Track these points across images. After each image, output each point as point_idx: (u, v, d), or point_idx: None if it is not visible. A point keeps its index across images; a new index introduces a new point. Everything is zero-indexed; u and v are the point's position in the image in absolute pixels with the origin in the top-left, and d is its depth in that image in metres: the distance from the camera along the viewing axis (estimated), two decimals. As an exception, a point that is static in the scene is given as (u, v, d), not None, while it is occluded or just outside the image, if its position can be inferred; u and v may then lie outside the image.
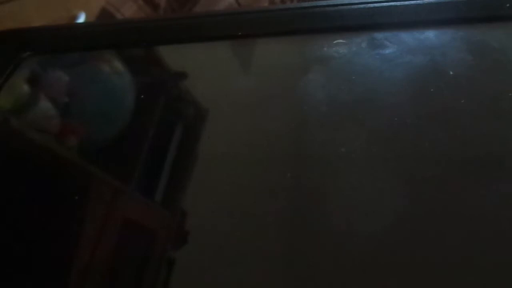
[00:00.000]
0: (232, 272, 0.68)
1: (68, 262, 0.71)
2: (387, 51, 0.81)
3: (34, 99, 0.80)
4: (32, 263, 0.72)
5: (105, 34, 0.92)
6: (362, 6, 0.85)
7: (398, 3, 0.83)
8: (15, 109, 0.78)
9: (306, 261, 0.68)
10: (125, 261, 0.72)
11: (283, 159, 0.77)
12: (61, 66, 0.85)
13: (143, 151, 0.81)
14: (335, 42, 0.84)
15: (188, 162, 0.79)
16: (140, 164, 0.80)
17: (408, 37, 0.82)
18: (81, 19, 1.38)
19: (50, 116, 0.81)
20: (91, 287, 0.69)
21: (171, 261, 0.70)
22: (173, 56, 0.90)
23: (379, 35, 0.83)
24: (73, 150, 0.80)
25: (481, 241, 0.65)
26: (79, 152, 0.80)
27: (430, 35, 0.81)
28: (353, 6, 0.85)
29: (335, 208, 0.71)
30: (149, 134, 0.82)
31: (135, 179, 0.80)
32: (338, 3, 0.86)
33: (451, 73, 0.77)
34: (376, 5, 0.84)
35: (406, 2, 0.83)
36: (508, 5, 0.79)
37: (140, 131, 0.82)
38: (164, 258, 0.71)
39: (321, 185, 0.74)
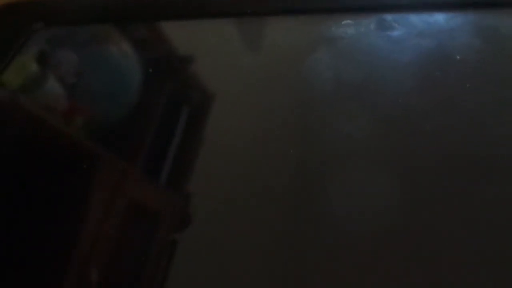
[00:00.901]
0: (236, 254, 0.69)
1: (73, 241, 0.72)
2: (395, 33, 0.81)
3: (42, 78, 0.81)
4: (38, 242, 0.73)
5: (115, 8, 0.92)
6: (371, -13, 0.84)
7: (407, -15, 0.83)
8: (23, 87, 0.79)
9: (308, 240, 0.69)
10: (129, 241, 0.73)
11: (287, 139, 0.77)
12: (70, 46, 0.86)
13: (150, 133, 0.81)
14: (343, 22, 0.84)
15: (194, 144, 0.80)
16: (146, 145, 0.81)
17: (417, 20, 0.82)
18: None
19: (58, 96, 0.81)
20: (94, 267, 0.70)
21: (174, 243, 0.71)
22: (181, 33, 0.90)
23: (388, 17, 0.83)
24: (79, 130, 0.80)
25: (487, 225, 0.65)
26: (85, 132, 0.81)
27: (439, 18, 0.81)
28: (362, -13, 0.85)
29: (336, 186, 0.72)
30: (156, 116, 0.82)
31: (140, 160, 0.80)
32: (348, -17, 0.86)
33: (458, 57, 0.76)
34: (385, -14, 0.84)
35: (416, -16, 0.83)
36: (519, -10, 0.79)
37: (147, 113, 0.83)
38: (168, 240, 0.72)
39: (324, 165, 0.74)
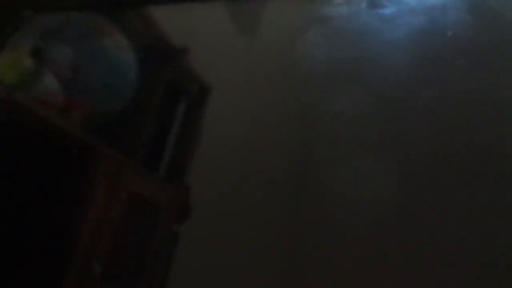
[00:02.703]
0: (235, 245, 0.70)
1: (74, 235, 0.73)
2: (386, 11, 0.81)
3: (38, 74, 0.81)
4: (41, 232, 0.74)
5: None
6: (361, -35, 0.84)
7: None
8: (19, 83, 0.79)
9: (308, 231, 0.69)
10: (129, 234, 0.74)
11: (282, 119, 0.78)
12: (64, 40, 0.85)
13: (148, 126, 0.82)
14: (335, 2, 0.84)
15: (192, 133, 0.80)
16: (144, 138, 0.82)
17: (408, -3, 0.82)
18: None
19: (54, 91, 0.81)
20: (95, 260, 0.71)
21: (175, 234, 0.72)
22: (173, 19, 0.89)
23: (378, -5, 0.83)
24: (78, 125, 0.81)
25: (484, 209, 0.66)
26: (83, 127, 0.81)
27: (430, -6, 0.81)
28: (352, -35, 0.84)
29: (333, 169, 0.73)
30: (154, 109, 0.83)
31: (139, 154, 0.81)
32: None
33: (449, 33, 0.77)
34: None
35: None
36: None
37: (144, 105, 0.83)
38: (168, 231, 0.73)
39: (319, 145, 0.75)
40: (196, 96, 0.83)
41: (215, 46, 0.87)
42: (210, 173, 0.75)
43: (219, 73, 0.83)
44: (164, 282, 0.73)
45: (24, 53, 0.81)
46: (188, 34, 0.88)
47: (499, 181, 0.67)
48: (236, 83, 0.82)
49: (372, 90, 0.77)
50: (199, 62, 0.86)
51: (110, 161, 0.78)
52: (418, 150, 0.72)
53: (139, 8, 0.91)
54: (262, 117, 0.80)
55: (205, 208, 0.73)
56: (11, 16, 0.90)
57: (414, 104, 0.74)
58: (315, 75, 0.81)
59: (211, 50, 0.86)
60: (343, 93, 0.78)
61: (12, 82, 0.78)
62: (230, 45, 0.88)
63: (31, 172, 0.77)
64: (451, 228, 0.66)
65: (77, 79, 0.82)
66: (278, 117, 0.80)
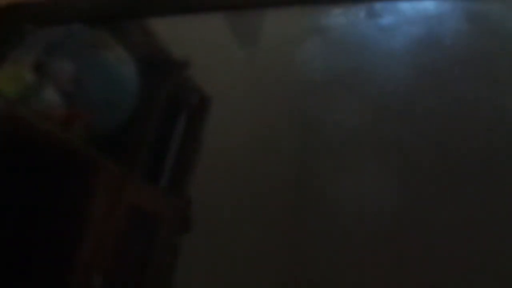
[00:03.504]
0: (235, 256, 0.70)
1: (75, 248, 0.73)
2: (384, 21, 0.81)
3: (39, 87, 0.81)
4: (42, 245, 0.74)
5: (104, 8, 0.92)
6: (360, -25, 0.84)
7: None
8: (20, 97, 0.80)
9: (309, 240, 0.69)
10: (130, 246, 0.74)
11: (282, 128, 0.78)
12: (66, 54, 0.86)
13: (149, 138, 0.82)
14: (333, 12, 0.85)
15: (192, 148, 0.81)
16: (145, 150, 0.82)
17: (406, 7, 0.82)
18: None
19: (55, 104, 0.82)
20: (96, 272, 0.71)
21: (176, 246, 0.73)
22: (173, 30, 0.89)
23: (377, 5, 0.83)
24: (79, 138, 0.81)
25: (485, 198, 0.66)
26: (85, 140, 0.81)
27: (428, 5, 0.81)
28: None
29: (333, 177, 0.73)
30: (154, 121, 0.83)
31: (140, 166, 0.81)
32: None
33: (447, 43, 0.77)
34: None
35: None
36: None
37: (145, 117, 0.83)
38: (169, 244, 0.73)
39: (319, 154, 0.75)
40: (196, 107, 0.83)
41: (215, 57, 0.87)
42: (211, 184, 0.75)
43: (219, 84, 0.84)
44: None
45: (26, 67, 0.81)
46: (187, 46, 0.89)
47: (497, 187, 0.67)
48: (236, 93, 0.83)
49: (371, 99, 0.78)
50: (198, 73, 0.87)
51: (110, 173, 0.78)
52: (417, 157, 0.72)
53: (137, 20, 0.91)
54: (262, 127, 0.80)
55: (205, 220, 0.73)
56: (12, 30, 0.90)
57: (413, 113, 0.75)
58: (314, 85, 0.81)
59: (211, 61, 0.86)
60: (342, 103, 0.78)
61: (14, 96, 0.78)
62: (230, 56, 0.88)
63: (32, 185, 0.78)
64: (449, 235, 0.66)
65: (78, 92, 0.82)
66: (277, 127, 0.80)
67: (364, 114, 0.77)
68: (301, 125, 0.80)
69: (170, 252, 0.72)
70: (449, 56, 0.77)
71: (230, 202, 0.74)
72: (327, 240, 0.70)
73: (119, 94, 0.84)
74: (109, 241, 0.73)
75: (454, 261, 0.65)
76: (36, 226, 0.75)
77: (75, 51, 0.85)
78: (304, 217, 0.72)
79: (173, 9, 0.92)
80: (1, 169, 0.77)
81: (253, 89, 0.84)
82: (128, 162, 0.80)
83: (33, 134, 0.78)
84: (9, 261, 0.73)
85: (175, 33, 0.90)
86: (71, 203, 0.76)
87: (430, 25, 0.80)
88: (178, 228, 0.74)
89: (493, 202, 0.67)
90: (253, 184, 0.75)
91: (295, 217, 0.73)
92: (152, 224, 0.75)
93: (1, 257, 0.73)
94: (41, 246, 0.74)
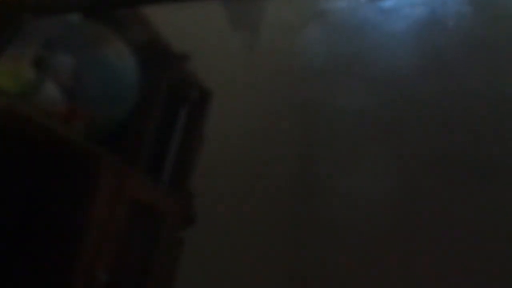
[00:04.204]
0: (239, 250, 0.70)
1: (78, 243, 0.73)
2: (386, 3, 0.81)
3: (40, 83, 0.81)
4: (45, 240, 0.75)
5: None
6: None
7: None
8: (21, 93, 0.79)
9: (311, 235, 0.69)
10: (132, 241, 0.74)
11: (283, 112, 0.78)
12: (67, 50, 0.85)
13: (150, 133, 0.82)
14: (334, -4, 0.84)
15: (194, 141, 0.80)
16: (147, 146, 0.82)
17: (407, -12, 0.81)
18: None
19: (56, 100, 0.81)
20: (100, 267, 0.71)
21: (179, 240, 0.73)
22: (170, 19, 0.89)
23: (378, -13, 0.82)
24: (79, 133, 0.81)
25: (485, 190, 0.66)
26: (85, 135, 0.81)
27: (429, -14, 0.80)
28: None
29: (333, 160, 0.73)
30: (155, 115, 0.82)
31: (142, 161, 0.81)
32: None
33: (450, 25, 0.76)
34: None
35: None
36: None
37: (146, 113, 0.83)
38: (172, 238, 0.73)
39: (321, 137, 0.75)
40: (197, 101, 0.83)
41: (215, 46, 0.87)
42: (213, 178, 0.75)
43: (220, 75, 0.84)
44: (169, 288, 0.74)
45: (26, 63, 0.81)
46: (187, 37, 0.88)
47: (499, 174, 0.67)
48: (237, 84, 0.82)
49: (372, 83, 0.77)
50: (199, 64, 0.86)
51: (112, 169, 0.78)
52: (419, 142, 0.72)
53: (136, 9, 0.90)
54: (264, 117, 0.80)
55: (208, 214, 0.73)
56: (10, 20, 0.90)
57: (415, 96, 0.74)
58: (315, 70, 0.81)
59: (211, 51, 0.86)
60: (344, 87, 0.78)
61: (14, 91, 0.77)
62: (230, 43, 0.88)
63: (34, 182, 0.78)
64: (451, 224, 0.66)
65: (78, 87, 0.82)
66: (279, 114, 0.80)
67: (366, 98, 0.77)
68: (303, 110, 0.80)
69: (174, 247, 0.72)
70: (452, 38, 0.77)
71: (232, 195, 0.74)
72: (331, 233, 0.70)
73: (120, 88, 0.84)
74: (112, 236, 0.73)
75: (457, 255, 0.65)
76: (38, 222, 0.75)
77: (75, 46, 0.85)
78: (307, 207, 0.73)
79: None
80: (1, 165, 0.77)
81: (254, 79, 0.84)
82: (129, 157, 0.80)
83: (34, 130, 0.77)
84: (13, 257, 0.74)
85: (174, 26, 0.90)
86: (73, 198, 0.76)
87: (432, 7, 0.80)
88: (181, 223, 0.74)
89: (497, 191, 0.67)
90: (256, 177, 0.76)
91: (299, 209, 0.73)
92: (155, 219, 0.76)
93: (5, 252, 0.74)
94: (44, 242, 0.74)
